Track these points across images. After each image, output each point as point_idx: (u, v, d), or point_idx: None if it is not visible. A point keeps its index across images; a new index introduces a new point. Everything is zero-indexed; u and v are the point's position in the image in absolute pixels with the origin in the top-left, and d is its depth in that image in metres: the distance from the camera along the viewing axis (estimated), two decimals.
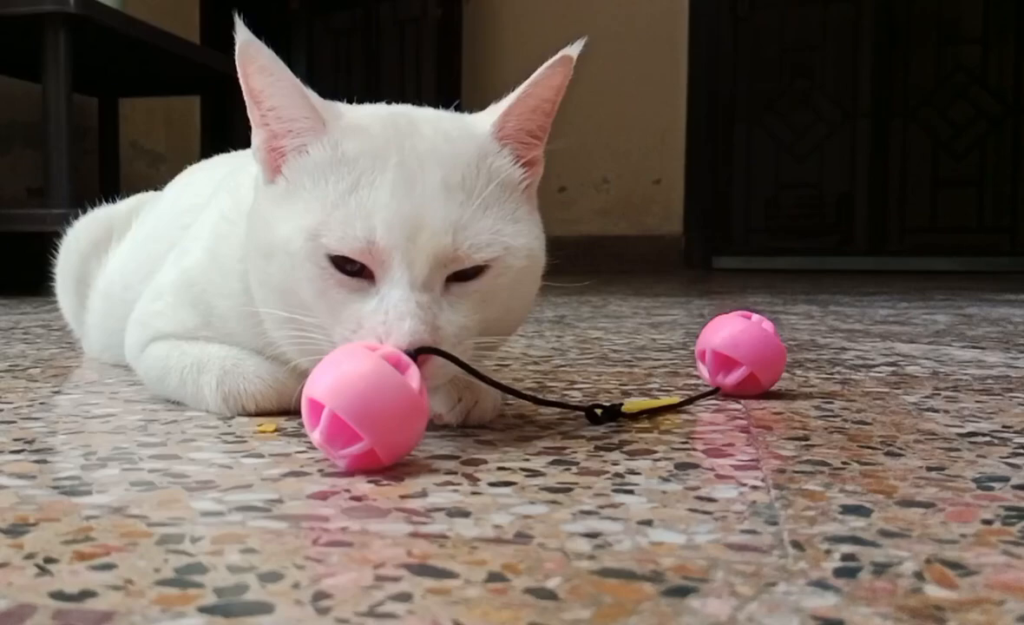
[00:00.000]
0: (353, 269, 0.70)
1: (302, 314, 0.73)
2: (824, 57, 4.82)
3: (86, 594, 0.42)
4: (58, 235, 1.32)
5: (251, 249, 0.77)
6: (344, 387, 0.62)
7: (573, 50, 0.77)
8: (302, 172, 0.73)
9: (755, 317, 0.95)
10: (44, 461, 0.69)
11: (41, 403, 0.93)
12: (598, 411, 0.82)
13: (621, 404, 0.84)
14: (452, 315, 0.71)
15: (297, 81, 0.74)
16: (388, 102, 0.84)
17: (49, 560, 0.47)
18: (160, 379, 0.90)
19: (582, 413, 0.83)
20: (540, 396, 0.89)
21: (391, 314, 0.68)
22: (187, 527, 0.52)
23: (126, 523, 0.53)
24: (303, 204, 0.72)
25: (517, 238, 0.74)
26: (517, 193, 0.76)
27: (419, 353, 0.68)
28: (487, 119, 0.77)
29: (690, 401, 0.90)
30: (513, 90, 0.78)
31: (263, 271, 0.75)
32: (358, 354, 0.64)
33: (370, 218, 0.69)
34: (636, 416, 0.83)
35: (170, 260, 0.95)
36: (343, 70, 5.09)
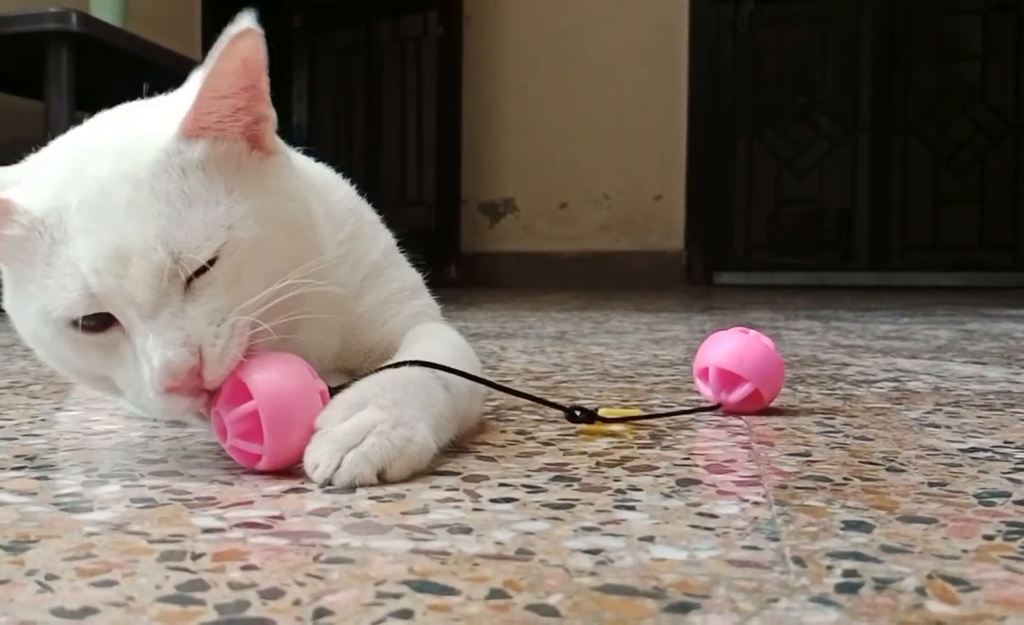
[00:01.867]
0: (101, 322, 0.67)
1: (86, 372, 0.72)
2: (824, 73, 4.84)
3: (87, 611, 0.42)
4: None
5: (27, 340, 0.75)
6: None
7: (248, 20, 0.67)
8: (13, 257, 0.69)
9: (752, 333, 0.95)
10: (45, 478, 0.69)
11: (42, 420, 0.93)
12: (577, 412, 0.84)
13: (598, 408, 0.85)
14: (197, 309, 0.67)
15: None
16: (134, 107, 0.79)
17: (50, 577, 0.47)
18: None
19: (563, 412, 0.85)
20: (522, 390, 0.89)
21: (150, 363, 0.66)
22: (188, 544, 0.52)
23: (127, 540, 0.53)
24: (26, 289, 0.69)
25: (236, 209, 0.68)
26: (230, 165, 0.70)
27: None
28: (177, 116, 0.69)
29: (675, 413, 0.90)
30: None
31: (35, 346, 0.74)
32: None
33: (77, 269, 0.65)
34: (612, 421, 0.85)
35: None
36: (344, 87, 5.11)
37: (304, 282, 0.73)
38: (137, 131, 0.71)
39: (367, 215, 0.93)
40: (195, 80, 0.71)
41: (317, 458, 0.66)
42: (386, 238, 0.94)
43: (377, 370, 0.74)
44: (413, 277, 0.96)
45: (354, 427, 0.67)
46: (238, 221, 0.68)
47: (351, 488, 0.64)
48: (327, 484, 0.65)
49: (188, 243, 0.66)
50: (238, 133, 0.71)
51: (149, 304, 0.66)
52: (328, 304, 0.80)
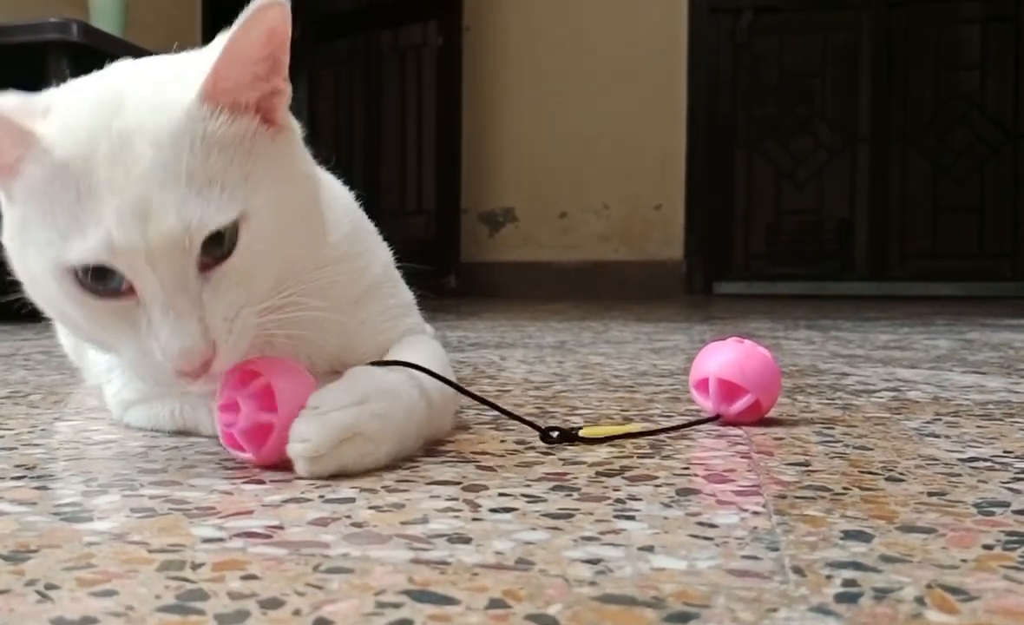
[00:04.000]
0: (117, 282, 0.66)
1: (85, 331, 0.72)
2: (823, 83, 4.85)
3: (87, 621, 0.42)
4: None
5: (20, 278, 0.73)
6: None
7: None
8: (29, 196, 0.68)
9: (748, 342, 0.95)
10: (45, 488, 0.69)
11: (42, 430, 0.93)
12: (553, 433, 0.83)
13: (579, 428, 0.84)
14: (214, 300, 0.67)
15: None
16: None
17: (50, 587, 0.47)
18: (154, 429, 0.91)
19: (537, 431, 0.84)
20: (501, 404, 0.89)
21: (167, 345, 0.66)
22: (188, 553, 0.52)
23: (127, 550, 0.53)
24: (42, 235, 0.67)
25: (255, 195, 0.68)
26: (247, 142, 0.69)
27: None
28: (196, 80, 0.69)
29: (659, 432, 0.89)
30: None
31: (37, 297, 0.73)
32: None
33: (102, 220, 0.65)
34: (594, 442, 0.83)
35: None
36: (344, 97, 5.12)
37: (311, 278, 0.76)
38: (163, 86, 0.70)
39: (365, 224, 0.94)
40: (219, 42, 0.70)
41: (308, 433, 0.69)
42: (385, 253, 0.95)
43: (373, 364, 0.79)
44: (408, 295, 0.98)
45: (351, 422, 0.70)
46: (255, 211, 0.68)
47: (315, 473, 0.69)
48: (302, 460, 0.69)
49: (202, 219, 0.65)
50: (253, 102, 0.70)
51: (171, 278, 0.65)
52: (326, 296, 0.81)
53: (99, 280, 0.66)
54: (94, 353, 1.11)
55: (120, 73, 0.74)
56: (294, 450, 0.69)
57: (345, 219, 0.89)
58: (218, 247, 0.67)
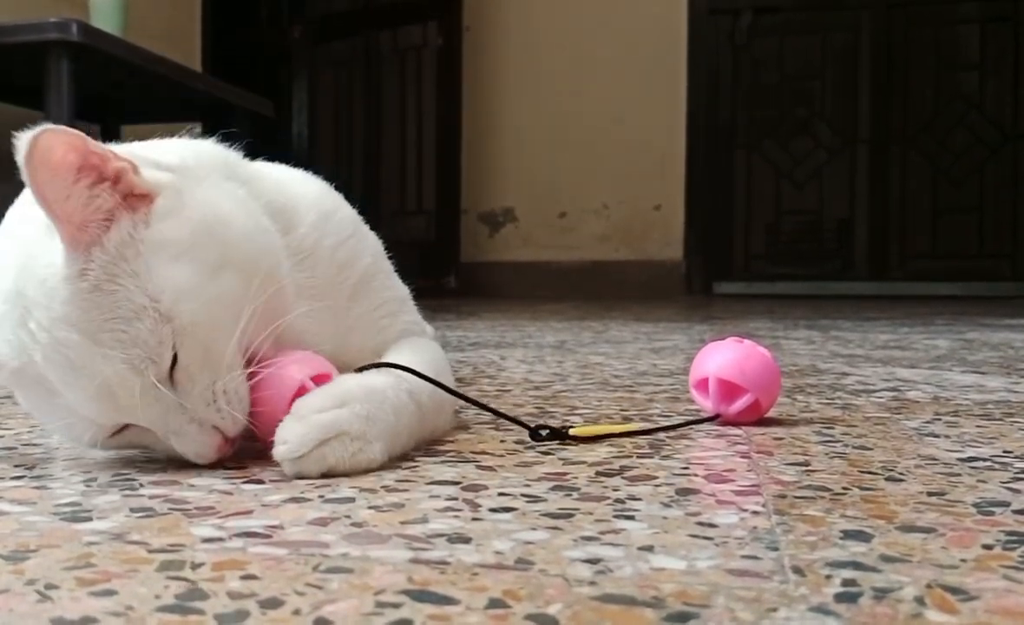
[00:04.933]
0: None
1: None
2: (823, 84, 4.85)
3: (87, 621, 0.42)
4: None
5: None
6: None
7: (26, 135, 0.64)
8: (15, 388, 0.77)
9: (748, 342, 0.95)
10: (45, 487, 0.69)
11: (42, 429, 0.93)
12: (543, 432, 0.83)
13: (570, 426, 0.84)
14: (190, 398, 0.70)
15: None
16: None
17: (50, 586, 0.47)
18: None
19: (527, 429, 0.84)
20: (491, 405, 0.89)
21: (185, 452, 0.72)
22: (188, 553, 0.52)
23: (127, 549, 0.53)
24: (47, 410, 0.75)
25: (163, 296, 0.68)
26: (129, 251, 0.69)
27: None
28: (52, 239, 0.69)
29: (653, 430, 0.89)
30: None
31: None
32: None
33: (81, 416, 0.71)
34: (585, 441, 0.83)
35: None
36: (344, 98, 5.12)
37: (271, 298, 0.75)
38: (35, 260, 0.69)
39: (343, 211, 0.90)
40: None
41: (288, 436, 0.70)
42: (374, 243, 0.93)
43: (360, 370, 0.79)
44: (402, 290, 0.96)
45: (330, 423, 0.70)
46: (173, 310, 0.68)
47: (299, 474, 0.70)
48: (285, 462, 0.70)
49: (149, 355, 0.68)
50: (107, 209, 0.68)
51: (153, 412, 0.70)
52: (310, 296, 0.81)
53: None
54: None
55: None
56: (277, 452, 0.70)
57: (311, 210, 0.86)
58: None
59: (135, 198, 0.70)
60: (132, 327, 0.67)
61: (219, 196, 0.75)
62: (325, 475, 0.70)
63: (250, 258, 0.74)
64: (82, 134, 0.67)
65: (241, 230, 0.74)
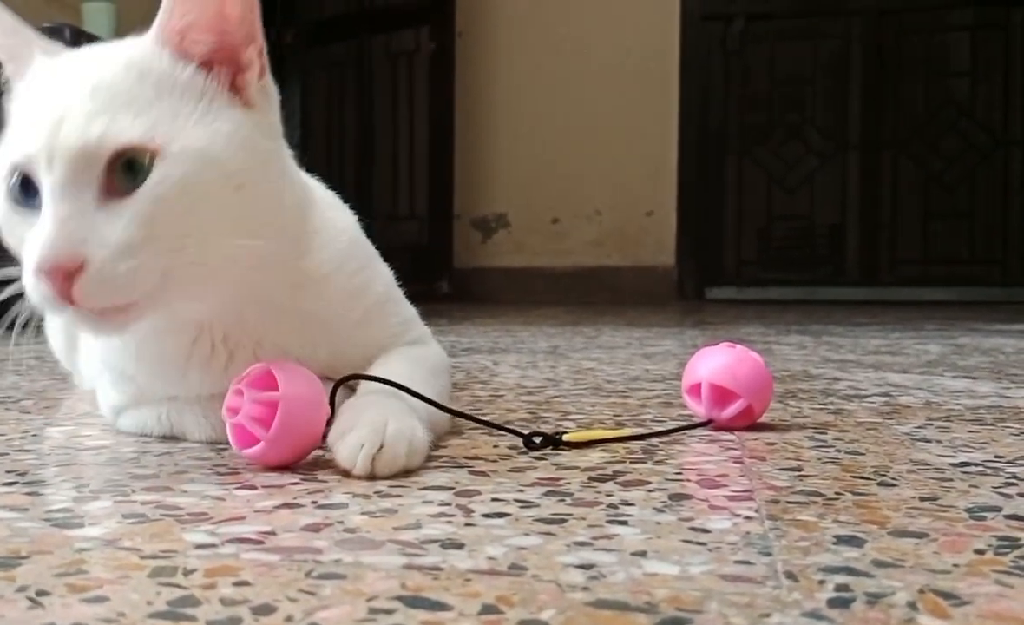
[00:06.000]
0: (34, 202, 0.69)
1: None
2: (815, 91, 4.86)
3: None
4: None
5: None
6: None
7: None
8: (13, 114, 0.74)
9: (740, 347, 0.95)
10: (36, 493, 0.68)
11: (33, 435, 0.93)
12: (536, 438, 0.83)
13: (563, 433, 0.84)
14: (106, 229, 0.66)
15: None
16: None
17: (41, 593, 0.46)
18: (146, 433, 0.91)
19: (520, 437, 0.83)
20: (480, 416, 0.89)
21: (35, 236, 0.67)
22: (180, 560, 0.52)
23: (119, 556, 0.53)
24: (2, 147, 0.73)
25: (179, 137, 0.69)
26: (192, 92, 0.71)
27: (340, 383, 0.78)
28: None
29: (646, 436, 0.89)
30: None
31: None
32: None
33: (32, 125, 0.69)
34: (579, 446, 0.83)
35: None
36: (336, 102, 5.11)
37: (290, 296, 0.78)
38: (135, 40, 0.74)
39: (365, 245, 0.94)
40: None
41: (360, 440, 0.70)
42: (386, 273, 0.96)
43: (346, 378, 0.80)
44: (410, 311, 0.99)
45: (379, 418, 0.73)
46: (173, 153, 0.68)
47: (371, 475, 0.70)
48: (354, 466, 0.70)
49: (112, 131, 0.67)
50: (205, 56, 0.73)
51: (63, 177, 0.66)
52: (308, 319, 0.82)
53: (24, 193, 0.70)
54: (86, 357, 1.10)
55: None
56: (358, 456, 0.70)
57: (341, 237, 0.89)
58: (130, 178, 0.68)
59: (239, 87, 0.74)
60: (127, 109, 0.69)
61: (290, 173, 0.82)
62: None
63: (270, 218, 0.76)
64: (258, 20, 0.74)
65: (278, 200, 0.78)
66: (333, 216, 0.90)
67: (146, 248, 0.68)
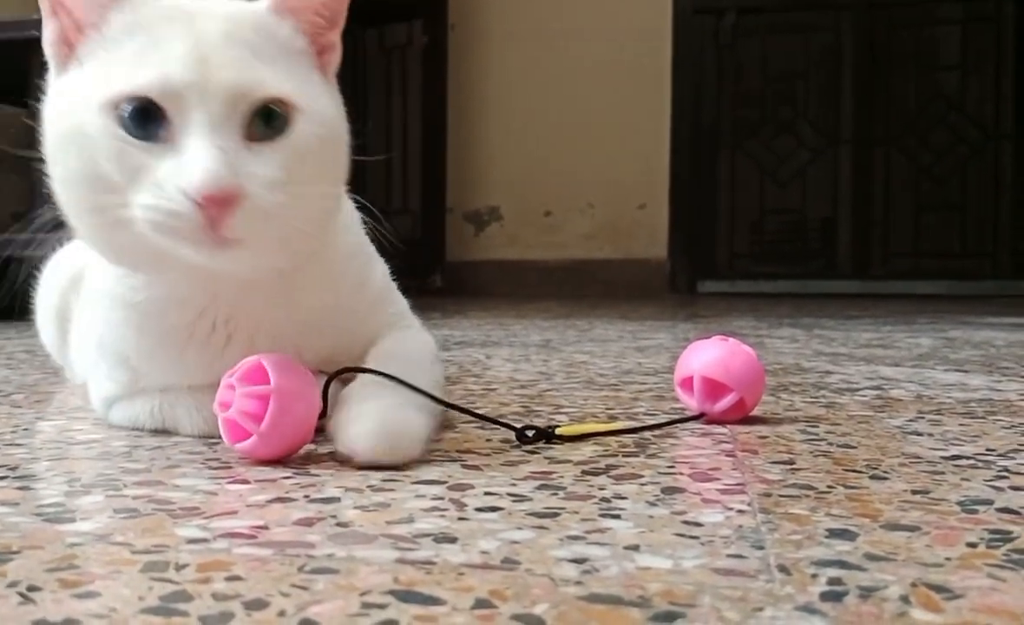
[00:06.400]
0: (154, 131, 0.68)
1: (105, 194, 0.70)
2: (807, 85, 4.86)
3: (70, 623, 0.42)
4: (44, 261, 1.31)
5: (49, 151, 0.73)
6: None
7: None
8: (99, 45, 0.72)
9: (732, 340, 0.95)
10: (27, 488, 0.68)
11: (24, 429, 0.93)
12: (529, 432, 0.82)
13: (556, 426, 0.84)
14: (258, 167, 0.69)
15: None
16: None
17: (32, 588, 0.46)
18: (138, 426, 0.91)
19: (514, 431, 0.83)
20: (475, 409, 0.89)
21: (190, 162, 0.66)
22: (172, 554, 0.52)
23: (110, 550, 0.52)
24: (102, 72, 0.71)
25: (315, 100, 0.75)
26: (306, 61, 0.77)
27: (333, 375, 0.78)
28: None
29: (638, 429, 0.89)
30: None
31: (64, 168, 0.72)
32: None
33: (165, 58, 0.69)
34: (572, 439, 0.83)
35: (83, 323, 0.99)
36: None
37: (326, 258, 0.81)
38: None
39: (366, 242, 0.95)
40: None
41: (363, 427, 0.72)
42: (382, 266, 0.97)
43: (339, 372, 0.80)
44: (403, 303, 1.00)
45: (382, 406, 0.74)
46: (309, 111, 0.73)
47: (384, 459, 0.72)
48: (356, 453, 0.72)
49: (264, 79, 0.71)
50: (309, 34, 0.77)
51: (221, 113, 0.68)
52: (331, 287, 0.85)
53: (140, 124, 0.68)
54: (77, 351, 1.10)
55: None
56: (375, 442, 0.72)
57: (354, 228, 0.91)
58: (269, 126, 0.71)
59: (323, 66, 0.78)
60: (273, 63, 0.73)
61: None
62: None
63: (338, 202, 0.82)
64: None
65: (342, 190, 0.82)
66: (350, 207, 0.91)
67: (286, 190, 0.71)
